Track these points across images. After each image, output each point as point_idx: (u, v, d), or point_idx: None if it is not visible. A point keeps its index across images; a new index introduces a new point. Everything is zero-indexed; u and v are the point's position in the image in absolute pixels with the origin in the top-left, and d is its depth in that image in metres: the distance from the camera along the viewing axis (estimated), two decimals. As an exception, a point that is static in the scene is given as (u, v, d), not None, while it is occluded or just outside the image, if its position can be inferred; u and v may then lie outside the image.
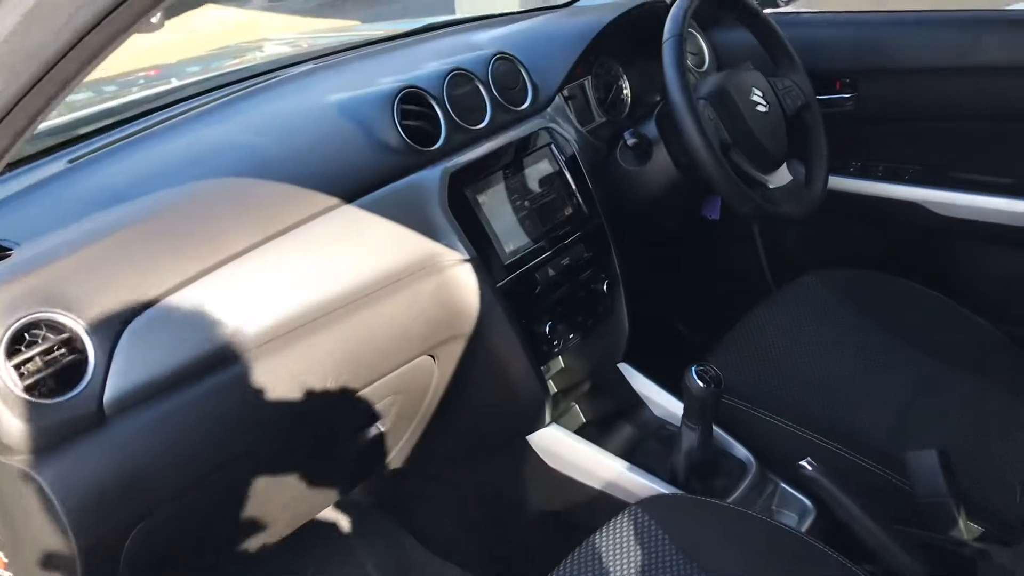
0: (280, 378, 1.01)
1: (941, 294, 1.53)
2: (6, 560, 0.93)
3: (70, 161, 1.14)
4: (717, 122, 1.36)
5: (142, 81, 1.72)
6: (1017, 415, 1.28)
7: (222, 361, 0.96)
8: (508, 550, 1.53)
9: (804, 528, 1.23)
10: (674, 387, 1.43)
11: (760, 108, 1.40)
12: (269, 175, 1.08)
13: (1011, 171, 1.59)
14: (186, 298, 0.94)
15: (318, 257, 1.06)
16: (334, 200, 1.10)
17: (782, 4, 1.87)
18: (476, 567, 1.56)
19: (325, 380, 1.06)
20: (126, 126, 1.22)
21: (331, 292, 1.06)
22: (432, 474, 1.49)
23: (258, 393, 0.99)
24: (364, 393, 1.13)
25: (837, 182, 1.76)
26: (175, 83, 1.55)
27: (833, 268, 1.61)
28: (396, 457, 1.38)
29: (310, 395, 1.04)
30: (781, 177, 1.43)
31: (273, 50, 1.95)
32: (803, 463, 1.13)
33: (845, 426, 1.28)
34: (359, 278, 1.08)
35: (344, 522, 1.67)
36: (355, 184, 1.13)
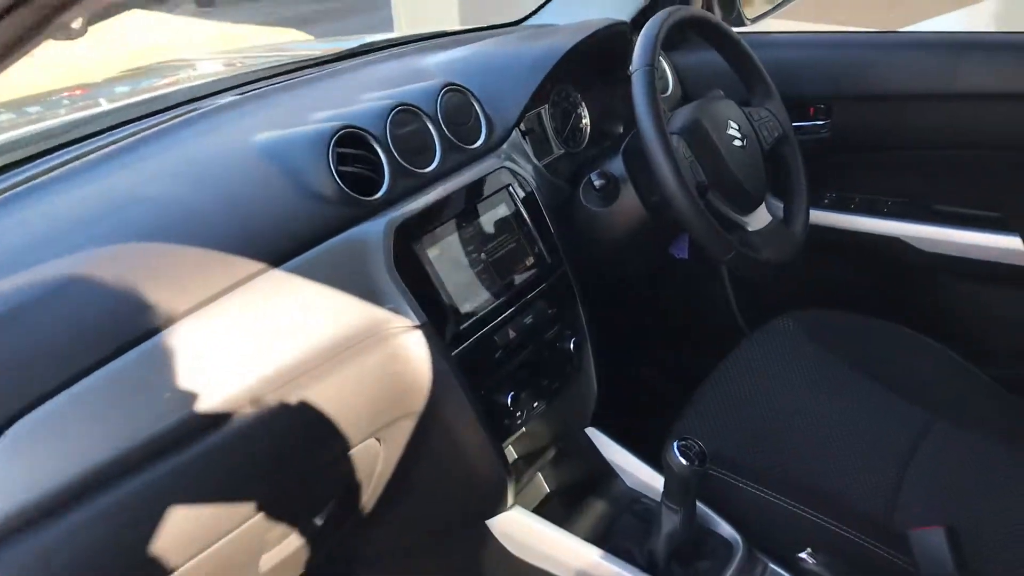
0: (179, 491, 0.83)
1: (926, 335, 1.43)
2: None
3: None
4: (692, 161, 1.23)
5: (67, 102, 1.56)
6: (1017, 480, 1.17)
7: (119, 470, 0.78)
8: None
9: None
10: (647, 452, 1.30)
11: (737, 143, 1.27)
12: (180, 237, 0.90)
13: (998, 204, 1.49)
14: (69, 401, 0.76)
15: (237, 338, 0.88)
16: (258, 265, 0.92)
17: (748, 23, 1.75)
18: None
19: (238, 493, 0.88)
20: (26, 166, 1.03)
21: (251, 380, 0.88)
22: (380, 566, 1.32)
23: (150, 508, 0.81)
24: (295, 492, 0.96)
25: (812, 215, 1.65)
26: (104, 105, 1.39)
27: (808, 308, 1.50)
28: (337, 550, 1.21)
29: (215, 514, 0.87)
30: (760, 218, 1.30)
31: (205, 68, 1.78)
32: (803, 555, 1.01)
33: (838, 496, 1.16)
34: (286, 359, 0.91)
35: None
36: (283, 243, 0.95)
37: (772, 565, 1.16)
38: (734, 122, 1.29)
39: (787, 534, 1.15)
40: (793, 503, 1.15)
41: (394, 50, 1.44)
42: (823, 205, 1.65)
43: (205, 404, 0.84)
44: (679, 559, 1.14)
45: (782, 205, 1.39)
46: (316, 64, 1.37)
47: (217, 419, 0.85)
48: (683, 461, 1.04)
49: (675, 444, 1.05)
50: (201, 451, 0.83)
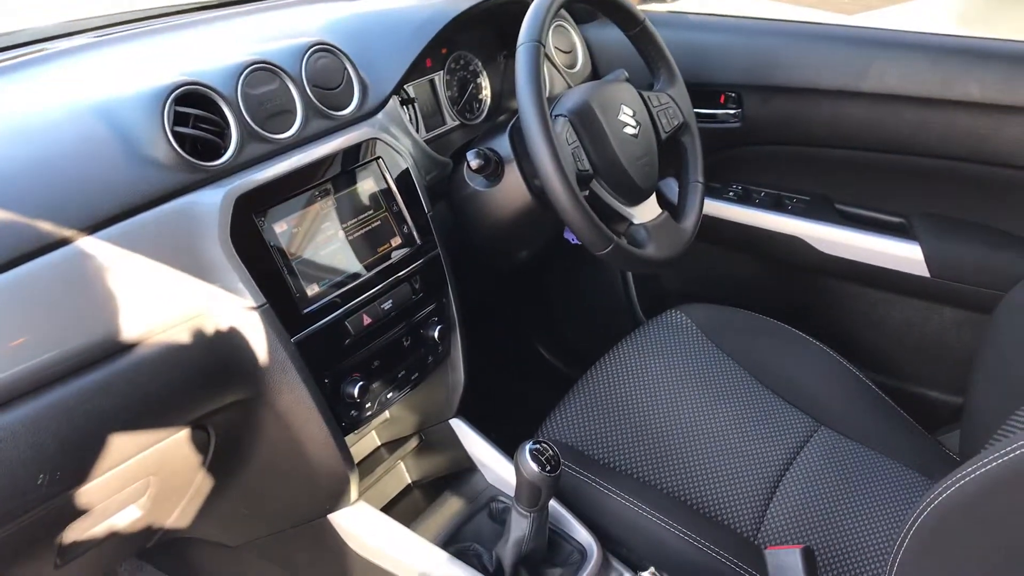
0: None
1: (817, 338, 1.39)
2: None
3: None
4: (577, 146, 1.15)
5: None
6: (890, 492, 1.14)
7: None
8: None
9: None
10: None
11: (629, 130, 1.20)
12: None
13: (901, 209, 1.45)
14: None
15: (42, 305, 0.80)
16: (67, 231, 0.83)
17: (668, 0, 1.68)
18: None
19: (30, 474, 0.80)
20: None
21: (57, 352, 0.80)
22: (217, 557, 1.24)
23: None
24: (98, 483, 0.87)
25: (715, 207, 1.60)
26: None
27: (701, 303, 1.45)
28: (175, 525, 1.13)
29: (26, 487, 0.79)
30: (648, 211, 1.24)
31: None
32: (645, 575, 0.96)
33: (705, 508, 1.12)
34: (97, 334, 0.83)
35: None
36: (102, 209, 0.86)
37: (627, 575, 1.12)
38: (628, 107, 1.22)
39: (644, 544, 1.10)
40: (654, 513, 1.10)
41: (267, 2, 1.33)
42: (728, 198, 1.60)
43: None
44: (529, 565, 1.08)
45: (675, 190, 1.33)
46: (177, 12, 1.25)
47: (11, 396, 0.77)
48: (533, 466, 0.98)
49: (528, 446, 0.99)
50: None
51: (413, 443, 1.27)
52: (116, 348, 0.84)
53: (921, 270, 1.41)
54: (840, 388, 1.33)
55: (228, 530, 1.20)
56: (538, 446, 1.00)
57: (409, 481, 1.26)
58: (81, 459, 0.83)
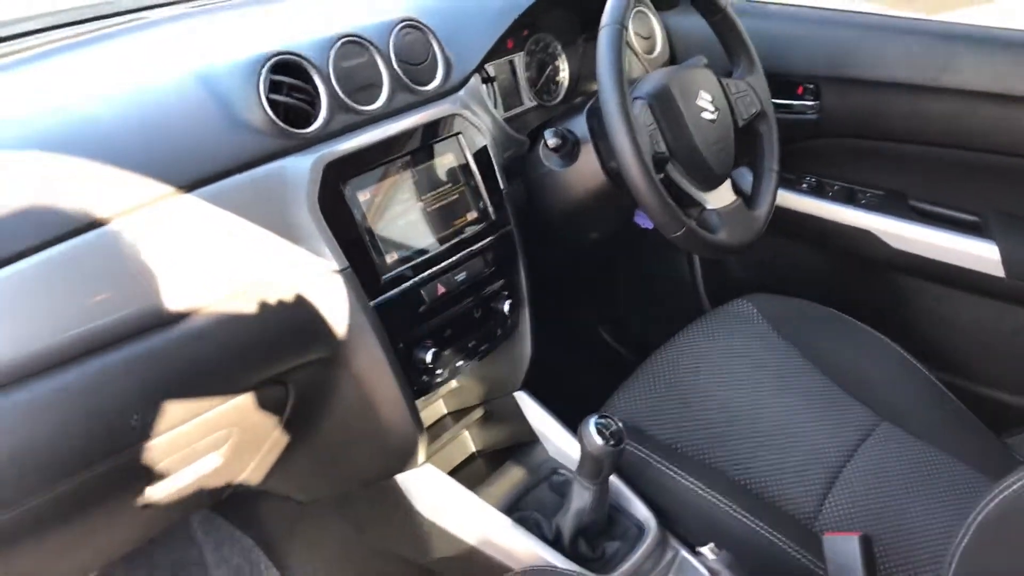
0: (70, 404, 0.81)
1: (886, 333, 1.38)
2: None
3: None
4: (655, 129, 1.17)
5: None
6: (950, 490, 1.14)
7: (12, 377, 0.76)
8: None
9: None
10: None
11: (707, 116, 1.21)
12: (87, 151, 0.86)
13: (977, 208, 1.43)
14: None
15: (138, 258, 0.85)
16: (166, 188, 0.88)
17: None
18: None
19: (125, 415, 0.85)
20: None
21: (156, 302, 0.85)
22: (287, 499, 1.29)
23: (42, 418, 0.79)
24: (186, 429, 0.92)
25: (788, 198, 1.59)
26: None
27: (771, 293, 1.45)
28: (249, 479, 1.18)
29: (103, 430, 0.84)
30: (722, 196, 1.24)
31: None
32: (704, 550, 0.98)
33: (765, 493, 1.13)
34: (193, 287, 0.87)
35: (202, 534, 1.48)
36: (201, 168, 0.91)
37: (684, 553, 1.14)
38: (707, 93, 1.23)
39: (702, 523, 1.12)
40: (713, 494, 1.12)
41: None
42: (802, 190, 1.59)
43: (104, 320, 0.81)
44: (587, 536, 1.11)
45: (749, 181, 1.33)
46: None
47: (112, 340, 0.82)
48: (597, 439, 1.01)
49: (592, 420, 1.02)
50: (93, 369, 0.81)
51: (478, 413, 1.30)
52: (211, 300, 0.89)
53: (996, 270, 1.39)
54: (905, 384, 1.32)
55: (300, 486, 1.25)
56: (603, 420, 1.02)
57: (473, 450, 1.30)
58: (173, 403, 0.88)
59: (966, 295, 1.50)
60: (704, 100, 1.22)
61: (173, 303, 0.86)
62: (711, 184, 1.24)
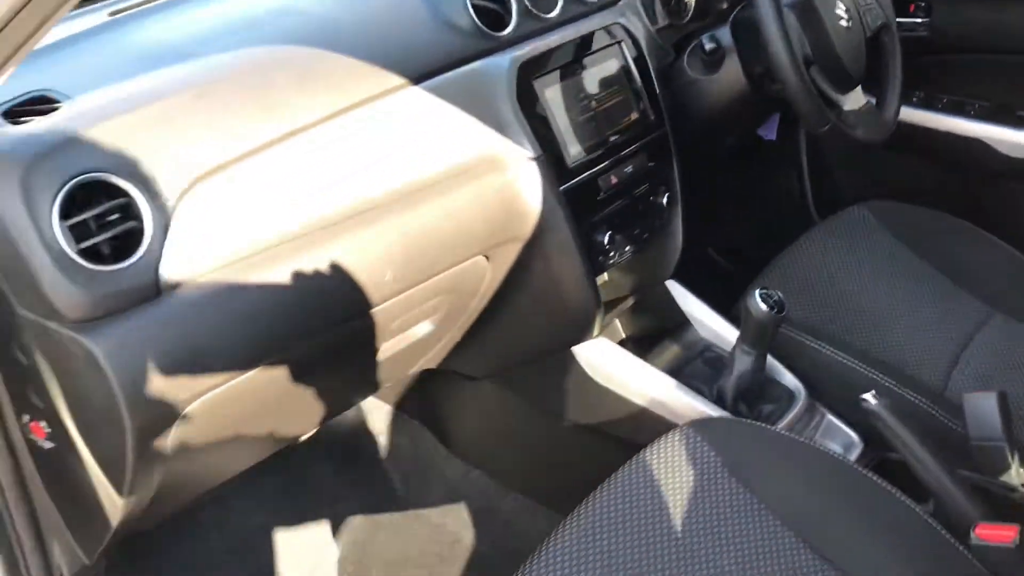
0: (335, 265, 0.95)
1: (997, 235, 1.48)
2: (47, 430, 0.88)
3: (111, 14, 1.06)
4: (800, 34, 1.28)
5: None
6: None
7: (281, 241, 0.90)
8: (539, 461, 1.50)
9: None
10: (719, 309, 1.39)
11: (843, 23, 1.32)
12: (333, 46, 1.00)
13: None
14: (247, 171, 0.87)
15: (382, 140, 0.99)
16: (400, 80, 1.02)
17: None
18: (503, 474, 1.53)
19: (380, 272, 0.99)
20: None
21: (394, 179, 0.99)
22: (467, 377, 1.44)
23: (312, 278, 0.93)
24: (415, 291, 1.07)
25: (899, 110, 1.69)
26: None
27: (884, 200, 1.55)
28: (432, 358, 1.33)
29: (362, 287, 0.98)
30: (856, 99, 1.36)
31: None
32: (867, 396, 1.10)
33: (899, 362, 1.25)
34: (423, 167, 1.01)
35: (369, 419, 1.63)
36: (421, 65, 1.05)
37: (830, 416, 1.27)
38: (842, 2, 1.34)
39: (846, 389, 1.24)
40: (857, 362, 1.24)
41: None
42: (911, 103, 1.68)
43: (355, 194, 0.95)
44: (745, 400, 1.24)
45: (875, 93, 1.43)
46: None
47: (362, 210, 0.96)
48: (763, 307, 1.13)
49: (757, 291, 1.14)
50: (348, 237, 0.95)
51: (628, 303, 1.43)
52: (439, 180, 1.03)
53: None
54: (1017, 279, 1.42)
55: (480, 361, 1.39)
56: (767, 291, 1.15)
57: (623, 336, 1.43)
58: (418, 264, 1.03)
59: None
60: (840, 8, 1.33)
61: (416, 179, 1.00)
62: (847, 87, 1.35)
